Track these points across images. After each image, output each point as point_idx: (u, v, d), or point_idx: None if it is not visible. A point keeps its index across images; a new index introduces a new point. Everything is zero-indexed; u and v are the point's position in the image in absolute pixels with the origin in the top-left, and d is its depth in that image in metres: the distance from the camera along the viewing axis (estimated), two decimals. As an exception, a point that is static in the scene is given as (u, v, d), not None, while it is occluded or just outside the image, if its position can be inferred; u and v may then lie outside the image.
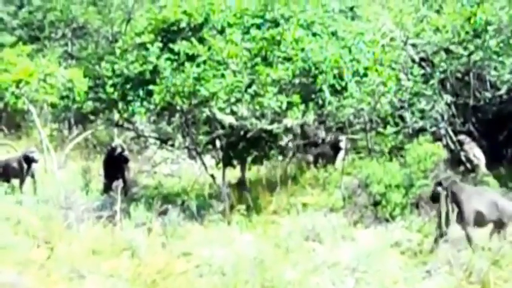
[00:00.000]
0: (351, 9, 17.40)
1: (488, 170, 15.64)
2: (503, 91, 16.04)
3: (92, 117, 16.76)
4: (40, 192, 15.53)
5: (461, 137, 16.12)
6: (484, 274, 10.54)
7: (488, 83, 16.48)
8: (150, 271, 10.88)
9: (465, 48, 16.08)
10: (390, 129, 16.66)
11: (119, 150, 16.46)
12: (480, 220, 11.63)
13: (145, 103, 14.31)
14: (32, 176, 16.23)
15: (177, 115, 14.87)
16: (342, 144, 17.44)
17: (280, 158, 16.80)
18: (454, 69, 16.32)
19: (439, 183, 12.02)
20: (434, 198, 12.10)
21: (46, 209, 13.60)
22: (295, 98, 13.74)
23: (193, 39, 14.21)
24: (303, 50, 13.90)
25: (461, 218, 11.57)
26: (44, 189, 15.59)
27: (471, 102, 16.43)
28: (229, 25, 14.53)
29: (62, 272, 10.69)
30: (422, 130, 16.15)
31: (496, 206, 11.69)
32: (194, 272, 10.98)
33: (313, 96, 14.04)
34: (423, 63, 16.49)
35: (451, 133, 16.26)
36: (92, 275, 10.66)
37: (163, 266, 11.12)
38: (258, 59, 13.93)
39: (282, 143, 15.46)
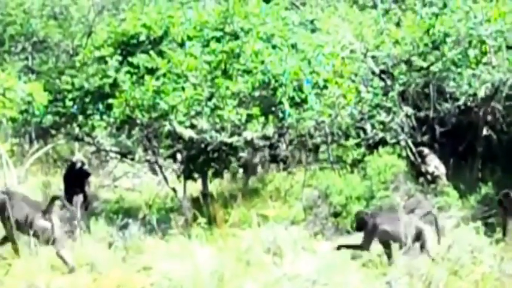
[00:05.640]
0: (311, 22, 17.45)
1: (448, 181, 15.74)
2: (461, 102, 16.15)
3: (52, 132, 16.58)
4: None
5: (422, 148, 16.20)
6: (443, 284, 10.59)
7: (447, 95, 16.63)
8: (110, 285, 10.81)
9: (424, 60, 16.21)
10: (351, 141, 16.71)
11: (79, 164, 16.30)
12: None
13: (105, 117, 14.28)
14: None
15: (137, 128, 14.79)
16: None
17: (241, 171, 16.80)
18: (413, 81, 16.43)
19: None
20: None
21: (4, 224, 13.42)
22: (255, 111, 13.79)
23: (152, 52, 14.20)
24: (262, 62, 13.96)
25: None
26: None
27: (431, 113, 16.55)
28: (189, 38, 14.53)
29: (20, 288, 10.58)
30: (383, 142, 16.22)
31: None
32: (154, 287, 10.93)
33: (273, 108, 14.12)
34: (383, 75, 16.56)
35: (411, 145, 16.34)
36: (49, 290, 10.56)
37: (123, 281, 11.05)
38: (218, 72, 13.98)
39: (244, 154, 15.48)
